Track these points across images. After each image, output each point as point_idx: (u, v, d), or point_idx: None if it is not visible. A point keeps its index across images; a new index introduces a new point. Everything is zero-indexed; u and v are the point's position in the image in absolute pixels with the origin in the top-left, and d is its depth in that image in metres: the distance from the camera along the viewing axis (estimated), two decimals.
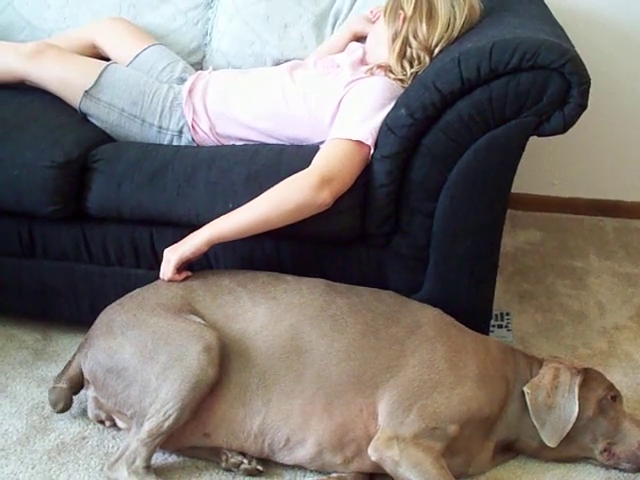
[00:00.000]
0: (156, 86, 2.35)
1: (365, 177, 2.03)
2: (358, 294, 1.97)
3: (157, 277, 2.04)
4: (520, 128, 1.92)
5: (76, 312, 2.32)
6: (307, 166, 2.00)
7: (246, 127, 2.25)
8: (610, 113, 3.09)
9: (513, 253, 2.94)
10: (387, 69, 2.21)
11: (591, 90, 1.90)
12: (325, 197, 1.96)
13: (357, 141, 2.01)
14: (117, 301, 2.00)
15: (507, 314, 2.50)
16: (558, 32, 2.10)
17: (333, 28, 2.65)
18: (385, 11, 2.27)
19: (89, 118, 2.34)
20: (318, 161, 2.02)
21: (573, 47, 1.98)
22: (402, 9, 2.21)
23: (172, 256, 2.00)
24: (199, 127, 2.28)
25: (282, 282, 1.98)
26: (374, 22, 2.40)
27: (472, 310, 2.12)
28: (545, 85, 1.87)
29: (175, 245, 2.02)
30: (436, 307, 2.00)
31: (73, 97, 2.35)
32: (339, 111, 2.13)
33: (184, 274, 2.01)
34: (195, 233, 2.02)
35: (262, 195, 1.99)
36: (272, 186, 1.99)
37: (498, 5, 2.35)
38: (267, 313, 1.89)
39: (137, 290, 2.01)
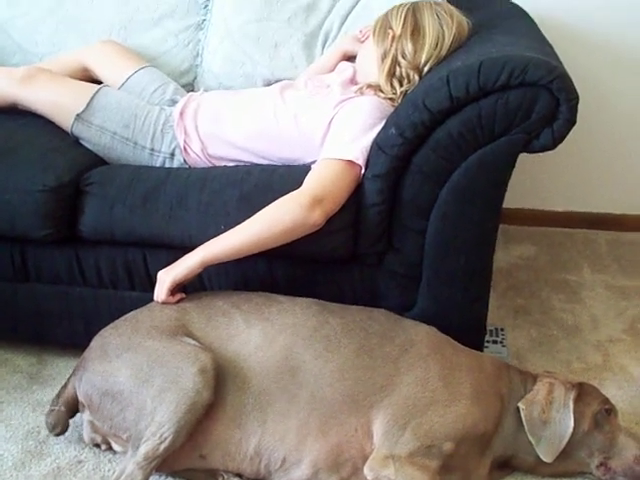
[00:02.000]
0: (148, 109, 2.35)
1: (357, 196, 2.03)
2: (351, 313, 1.97)
3: (151, 299, 2.03)
4: (510, 145, 1.93)
5: (70, 335, 2.32)
6: (299, 186, 2.01)
7: (238, 148, 2.26)
8: (600, 127, 3.11)
9: (507, 268, 2.94)
10: (377, 88, 2.21)
11: (580, 105, 1.91)
12: (317, 217, 1.97)
13: (348, 161, 2.02)
14: (111, 324, 1.99)
15: (501, 329, 2.51)
16: (546, 49, 2.12)
17: (323, 48, 2.66)
18: (374, 30, 2.28)
19: (81, 141, 2.34)
20: (309, 181, 2.02)
21: (561, 64, 1.99)
22: (391, 28, 2.23)
23: (166, 278, 2.00)
24: (191, 149, 2.28)
25: (275, 303, 1.98)
26: (363, 41, 2.41)
27: (466, 327, 2.13)
28: (534, 102, 1.88)
29: (169, 267, 2.03)
30: (430, 324, 2.00)
31: (65, 121, 2.35)
32: (330, 131, 2.14)
33: (178, 296, 2.02)
34: (188, 255, 2.02)
35: (254, 216, 2.00)
36: (264, 207, 2.00)
37: (486, 22, 2.36)
38: (261, 334, 1.89)
39: (131, 313, 2.01)
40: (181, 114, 2.31)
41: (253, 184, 2.09)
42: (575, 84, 1.91)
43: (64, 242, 2.20)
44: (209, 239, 2.03)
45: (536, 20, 2.56)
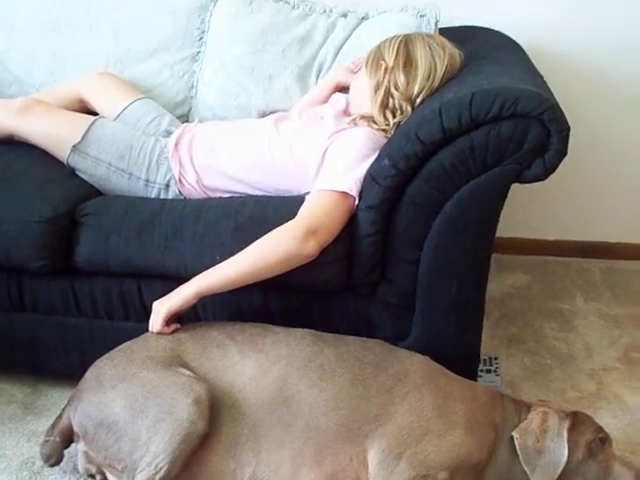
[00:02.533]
0: (143, 140, 2.36)
1: (350, 227, 2.04)
2: (346, 343, 1.98)
3: (146, 330, 2.04)
4: (502, 176, 1.95)
5: (65, 365, 2.32)
6: (293, 217, 2.02)
7: (233, 179, 2.27)
8: (592, 157, 3.13)
9: (500, 297, 2.95)
10: (370, 119, 2.23)
11: (572, 135, 1.92)
12: (311, 248, 1.98)
13: (342, 192, 2.03)
14: (106, 354, 1.99)
15: (495, 359, 2.51)
16: (537, 80, 2.14)
17: (317, 79, 2.68)
18: (367, 62, 2.30)
19: (77, 172, 2.35)
20: (303, 212, 2.03)
21: (552, 95, 2.01)
22: (384, 60, 2.25)
23: (161, 308, 2.01)
24: (186, 180, 2.29)
25: (270, 333, 1.99)
26: (356, 72, 2.43)
27: (460, 356, 2.13)
28: (525, 133, 1.90)
29: (164, 298, 2.03)
30: (424, 354, 2.00)
31: (61, 152, 2.36)
32: (324, 162, 2.15)
33: (173, 326, 2.02)
34: (183, 286, 2.03)
35: (249, 248, 2.01)
36: (259, 237, 2.01)
37: (478, 54, 2.39)
38: (255, 365, 1.89)
39: (126, 343, 2.01)
40: (176, 145, 2.32)
41: (248, 215, 2.10)
42: (566, 114, 1.93)
43: (60, 273, 2.20)
44: (204, 270, 2.04)
45: (528, 51, 2.59)
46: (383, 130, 2.20)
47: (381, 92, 2.23)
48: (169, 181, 2.31)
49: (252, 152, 2.27)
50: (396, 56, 2.24)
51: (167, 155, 2.32)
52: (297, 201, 2.10)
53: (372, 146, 2.12)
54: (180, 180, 2.30)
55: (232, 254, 2.02)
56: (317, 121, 2.32)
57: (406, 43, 2.27)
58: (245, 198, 2.20)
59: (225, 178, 2.28)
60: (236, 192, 2.27)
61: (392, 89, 2.22)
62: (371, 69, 2.28)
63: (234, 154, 2.28)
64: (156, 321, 2.01)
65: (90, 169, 2.33)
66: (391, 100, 2.22)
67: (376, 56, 2.29)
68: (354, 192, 2.04)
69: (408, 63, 2.23)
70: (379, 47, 2.32)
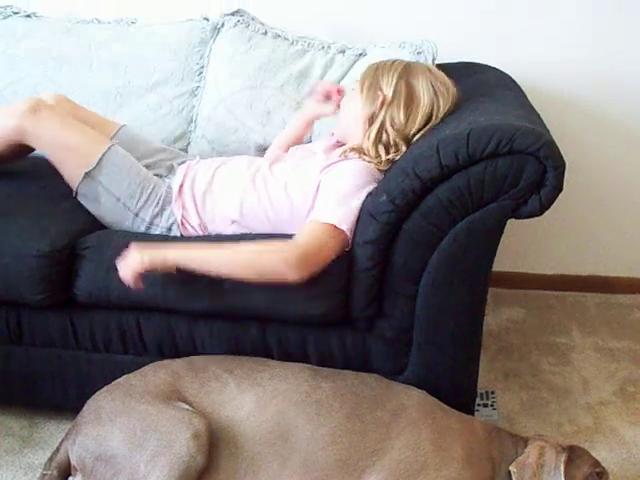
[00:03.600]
0: (154, 182, 2.32)
1: (348, 261, 2.06)
2: (343, 378, 1.99)
3: (144, 363, 2.05)
4: (498, 212, 1.96)
5: (63, 398, 2.32)
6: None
7: (235, 223, 2.26)
8: (587, 191, 3.16)
9: (497, 331, 2.96)
10: (361, 151, 2.20)
11: (568, 170, 1.94)
12: (297, 277, 1.99)
13: (332, 225, 2.04)
14: (105, 388, 1.99)
15: (492, 393, 2.52)
16: (533, 117, 2.16)
17: None
18: (363, 86, 2.25)
19: (81, 198, 2.31)
20: (299, 241, 2.03)
21: (548, 132, 2.03)
22: (381, 90, 2.20)
23: (144, 259, 2.03)
24: (188, 223, 2.29)
25: (268, 368, 1.99)
26: (336, 100, 2.39)
27: (457, 390, 2.14)
28: (521, 169, 1.92)
29: (145, 248, 2.05)
30: (421, 389, 2.01)
31: (70, 169, 2.29)
32: (318, 195, 2.14)
33: (140, 284, 2.06)
34: (167, 251, 2.06)
35: (242, 246, 2.06)
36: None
37: (475, 90, 2.41)
38: (253, 400, 1.90)
39: (124, 377, 2.01)
40: (180, 189, 2.30)
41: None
42: (562, 149, 1.94)
43: (59, 306, 2.21)
44: (202, 304, 2.09)
45: (524, 86, 2.61)
46: (375, 163, 2.17)
47: (376, 126, 2.19)
48: (171, 225, 2.30)
49: (252, 200, 2.24)
50: (395, 90, 2.18)
51: (171, 199, 2.30)
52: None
53: (364, 179, 2.12)
54: (182, 223, 2.28)
55: (231, 287, 2.05)
56: (309, 157, 2.31)
57: (408, 76, 2.20)
58: (245, 234, 2.20)
59: (227, 222, 2.27)
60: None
61: (388, 125, 2.18)
62: (367, 98, 2.22)
63: (234, 200, 2.26)
64: (134, 268, 2.03)
65: (98, 197, 2.29)
66: (385, 135, 2.18)
67: (373, 83, 2.23)
68: (344, 227, 2.04)
69: (409, 100, 2.18)
70: (376, 73, 2.25)
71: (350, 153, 2.22)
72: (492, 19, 3.00)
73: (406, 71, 2.23)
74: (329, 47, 2.75)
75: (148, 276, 2.08)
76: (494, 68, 2.75)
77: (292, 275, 1.99)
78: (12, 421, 2.40)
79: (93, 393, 2.00)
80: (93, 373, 2.27)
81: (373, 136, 2.19)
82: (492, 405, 2.46)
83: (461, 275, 2.02)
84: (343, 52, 2.74)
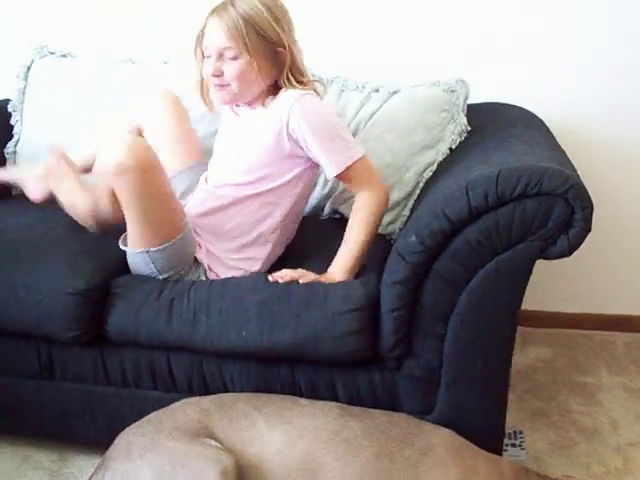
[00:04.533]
0: (192, 258, 2.32)
1: (377, 301, 2.08)
2: (371, 417, 1.99)
3: (174, 399, 2.07)
4: (526, 252, 1.97)
5: (93, 433, 2.34)
6: (316, 295, 2.10)
7: (272, 235, 2.38)
8: (616, 230, 3.15)
9: (524, 370, 2.95)
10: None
11: (596, 209, 1.94)
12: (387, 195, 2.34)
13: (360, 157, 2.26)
14: (135, 424, 2.01)
15: (520, 432, 2.51)
16: (561, 158, 2.16)
17: None
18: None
19: (124, 248, 2.28)
20: (365, 186, 2.28)
21: (576, 172, 2.04)
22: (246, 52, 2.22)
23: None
24: (213, 270, 2.33)
25: (296, 406, 2.00)
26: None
27: (485, 430, 2.14)
28: (550, 210, 1.92)
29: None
30: (449, 428, 2.02)
31: (135, 233, 2.22)
32: (316, 143, 2.23)
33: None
34: (334, 276, 2.22)
35: (357, 228, 2.25)
36: (284, 312, 2.08)
37: (503, 130, 2.45)
38: (282, 437, 1.91)
39: (154, 413, 2.03)
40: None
41: (270, 290, 2.14)
42: (589, 188, 1.95)
43: (90, 342, 2.24)
44: (230, 344, 2.11)
45: (551, 126, 2.63)
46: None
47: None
48: (199, 276, 2.32)
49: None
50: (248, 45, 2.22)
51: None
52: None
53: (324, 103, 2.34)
54: (210, 268, 2.32)
55: (257, 329, 2.08)
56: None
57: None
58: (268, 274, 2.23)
59: (262, 243, 2.37)
60: None
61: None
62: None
63: (247, 228, 2.36)
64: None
65: (140, 262, 2.27)
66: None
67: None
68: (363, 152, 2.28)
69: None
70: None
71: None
72: (521, 60, 3.02)
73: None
74: (363, 87, 2.77)
75: (179, 316, 2.12)
76: (522, 108, 2.77)
77: (386, 198, 2.32)
78: (42, 455, 2.42)
79: (123, 428, 2.02)
80: (123, 408, 2.29)
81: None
82: (520, 445, 2.45)
83: (489, 315, 2.03)
84: (377, 91, 2.75)
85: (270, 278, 2.16)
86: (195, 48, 2.31)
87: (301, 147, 2.26)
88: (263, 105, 2.33)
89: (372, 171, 2.31)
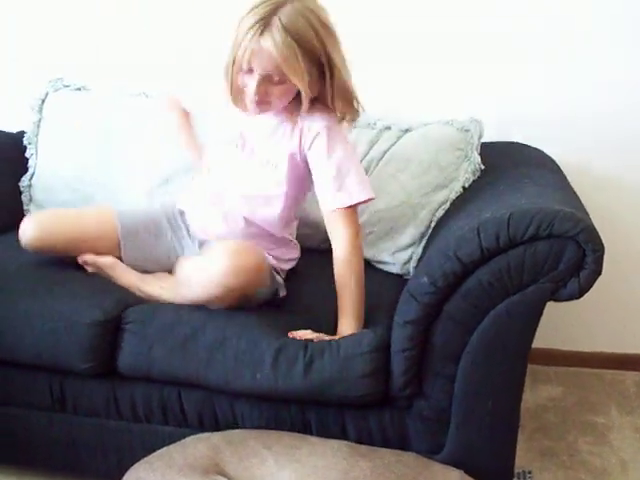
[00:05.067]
0: None
1: (388, 341, 2.08)
2: (381, 456, 1.99)
3: (185, 435, 2.09)
4: (537, 294, 1.97)
5: (103, 468, 2.34)
6: (332, 332, 2.12)
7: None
8: (626, 269, 3.16)
9: (534, 409, 2.94)
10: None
11: (607, 248, 1.94)
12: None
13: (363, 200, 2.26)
14: (145, 459, 2.02)
15: (529, 472, 2.50)
16: (573, 200, 2.18)
17: None
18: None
19: None
20: (350, 229, 2.23)
21: (587, 215, 2.05)
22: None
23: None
24: None
25: (306, 444, 2.01)
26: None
27: (494, 470, 2.13)
28: (561, 253, 1.93)
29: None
30: (458, 468, 2.02)
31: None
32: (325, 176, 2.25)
33: None
34: (343, 329, 2.20)
35: (349, 285, 2.21)
36: (299, 357, 2.08)
37: (516, 170, 2.47)
38: (292, 476, 1.91)
39: (165, 449, 2.04)
40: None
41: (286, 334, 2.15)
42: (600, 227, 1.95)
43: (102, 376, 2.24)
44: (244, 385, 2.11)
45: (562, 165, 2.65)
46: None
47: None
48: None
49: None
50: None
51: None
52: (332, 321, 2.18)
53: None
54: None
55: (273, 372, 2.08)
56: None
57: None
58: (287, 317, 2.24)
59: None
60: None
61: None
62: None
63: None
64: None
65: None
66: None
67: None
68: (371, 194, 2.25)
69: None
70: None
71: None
72: (535, 101, 3.04)
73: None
74: (375, 124, 2.79)
75: (195, 354, 2.14)
76: (535, 148, 2.79)
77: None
78: None
79: (133, 463, 2.03)
80: (134, 443, 2.29)
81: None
82: None
83: (500, 356, 2.03)
84: (389, 128, 2.78)
85: (290, 335, 2.16)
86: (234, 58, 2.14)
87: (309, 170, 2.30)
88: (291, 114, 2.29)
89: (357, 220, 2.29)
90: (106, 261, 2.40)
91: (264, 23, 2.04)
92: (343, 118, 2.28)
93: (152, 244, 2.52)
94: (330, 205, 2.23)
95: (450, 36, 3.02)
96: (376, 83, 3.04)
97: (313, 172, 2.28)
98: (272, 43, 2.04)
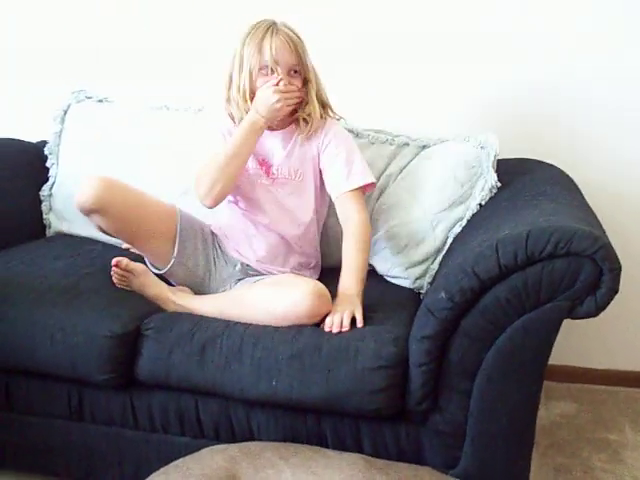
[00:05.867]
0: None
1: (405, 356, 2.09)
2: (396, 470, 2.00)
3: (201, 446, 2.10)
4: (554, 312, 1.98)
5: (120, 477, 2.36)
6: (346, 352, 2.11)
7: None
8: None
9: (548, 426, 2.94)
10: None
11: (624, 267, 1.95)
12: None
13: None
14: (162, 469, 2.02)
15: None
16: (590, 218, 2.18)
17: (376, 203, 2.77)
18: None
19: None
20: (359, 211, 2.49)
21: (604, 232, 2.05)
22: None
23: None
24: None
25: (323, 457, 2.02)
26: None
27: None
28: (578, 271, 1.94)
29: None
30: None
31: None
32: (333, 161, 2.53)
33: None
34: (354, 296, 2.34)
35: (359, 252, 2.42)
36: (314, 364, 2.09)
37: (533, 188, 2.46)
38: None
39: (181, 460, 2.04)
40: None
41: (304, 342, 2.15)
42: (617, 246, 1.97)
43: (120, 386, 2.27)
44: (260, 394, 2.12)
45: (580, 184, 2.65)
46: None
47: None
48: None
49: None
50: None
51: None
52: (350, 333, 2.17)
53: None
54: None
55: (288, 380, 2.10)
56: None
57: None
58: (302, 327, 2.23)
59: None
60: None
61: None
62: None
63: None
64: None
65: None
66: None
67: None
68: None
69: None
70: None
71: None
72: (552, 119, 3.06)
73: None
74: (393, 140, 2.82)
75: (212, 361, 2.15)
76: (552, 165, 2.79)
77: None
78: None
79: (149, 473, 2.03)
80: (150, 453, 2.31)
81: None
82: None
83: (516, 372, 2.04)
84: (407, 144, 2.80)
85: (326, 328, 2.21)
86: (247, 63, 2.46)
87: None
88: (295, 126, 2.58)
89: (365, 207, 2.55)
90: (138, 267, 2.42)
91: (273, 28, 2.45)
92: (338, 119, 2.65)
93: (200, 252, 2.56)
94: (344, 187, 2.50)
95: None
96: (396, 100, 3.09)
97: (324, 166, 2.55)
98: (288, 37, 2.45)
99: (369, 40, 3.11)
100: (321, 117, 2.55)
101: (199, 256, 2.55)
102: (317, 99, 2.53)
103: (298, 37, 2.47)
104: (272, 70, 2.43)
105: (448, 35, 3.06)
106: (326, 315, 2.23)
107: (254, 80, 2.46)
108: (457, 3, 3.04)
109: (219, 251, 2.60)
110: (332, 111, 2.62)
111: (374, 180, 2.55)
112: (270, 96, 2.41)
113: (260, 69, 2.44)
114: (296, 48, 2.45)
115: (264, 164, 2.56)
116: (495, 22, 3.01)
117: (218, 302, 2.35)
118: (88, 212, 2.37)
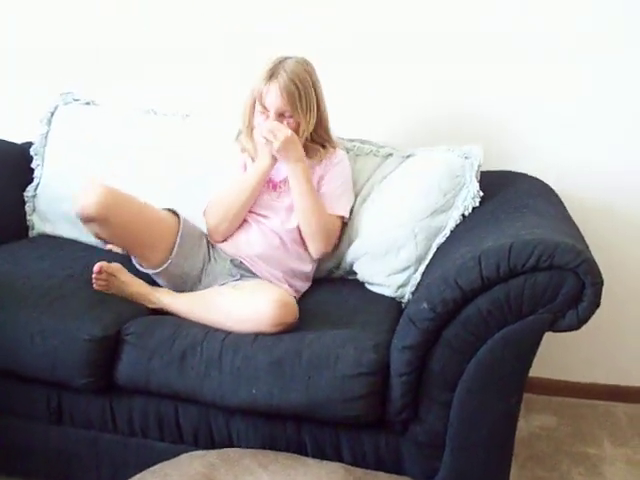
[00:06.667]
0: None
1: (386, 365, 2.09)
2: (376, 479, 2.00)
3: (180, 451, 2.09)
4: (536, 324, 1.99)
5: None
6: (327, 352, 2.11)
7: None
8: (623, 302, 3.17)
9: (527, 438, 2.94)
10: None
11: (606, 278, 1.96)
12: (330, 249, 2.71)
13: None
14: (139, 475, 2.01)
15: None
16: (573, 231, 2.19)
17: (360, 209, 2.78)
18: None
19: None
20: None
21: (587, 247, 2.07)
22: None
23: None
24: None
25: (302, 465, 2.01)
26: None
27: None
28: (560, 284, 1.95)
29: None
30: None
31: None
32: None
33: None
34: None
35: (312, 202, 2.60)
36: (295, 371, 2.10)
37: (517, 200, 2.48)
38: None
39: (159, 465, 2.03)
40: None
41: (284, 349, 2.15)
42: (599, 259, 1.98)
43: (99, 390, 2.26)
44: (240, 401, 2.12)
45: (563, 196, 2.67)
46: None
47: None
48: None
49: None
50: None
51: None
52: (330, 340, 2.17)
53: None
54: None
55: (267, 387, 2.10)
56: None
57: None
58: (282, 334, 2.23)
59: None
60: None
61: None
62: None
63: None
64: None
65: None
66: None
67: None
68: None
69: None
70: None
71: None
72: (535, 132, 3.07)
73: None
74: (378, 151, 2.83)
75: (191, 368, 2.15)
76: (535, 178, 2.80)
77: (329, 247, 2.70)
78: None
79: (127, 477, 2.03)
80: (128, 458, 2.30)
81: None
82: None
83: (496, 384, 2.04)
84: (391, 155, 2.82)
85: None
86: (250, 103, 2.64)
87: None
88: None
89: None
90: (116, 268, 2.40)
91: (275, 71, 2.54)
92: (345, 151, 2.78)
93: (196, 254, 2.56)
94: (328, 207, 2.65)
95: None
96: (382, 112, 3.09)
97: (319, 187, 2.68)
98: (284, 83, 2.52)
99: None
100: (323, 147, 2.70)
101: (195, 258, 2.56)
102: (314, 138, 2.69)
103: (300, 81, 2.54)
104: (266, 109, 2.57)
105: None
106: (292, 325, 2.24)
107: (252, 115, 2.65)
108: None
109: (212, 250, 2.62)
110: (332, 145, 2.73)
111: (347, 215, 2.71)
112: (259, 138, 2.58)
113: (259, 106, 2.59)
114: (289, 96, 2.53)
115: (271, 181, 2.67)
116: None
117: (190, 300, 2.39)
118: (89, 220, 2.35)
